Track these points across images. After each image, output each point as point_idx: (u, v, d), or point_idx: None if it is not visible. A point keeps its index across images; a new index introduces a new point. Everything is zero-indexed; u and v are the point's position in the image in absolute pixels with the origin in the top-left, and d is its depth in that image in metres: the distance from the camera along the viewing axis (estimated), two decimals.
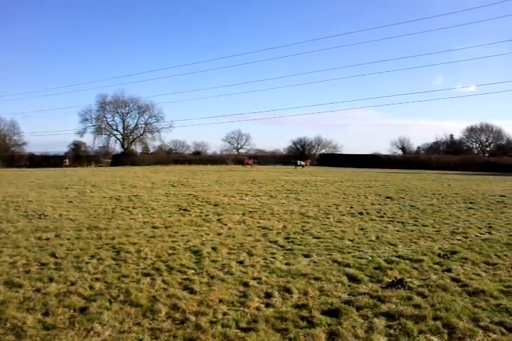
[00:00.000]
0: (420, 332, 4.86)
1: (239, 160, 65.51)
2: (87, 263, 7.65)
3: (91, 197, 17.98)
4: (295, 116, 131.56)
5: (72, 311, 5.39)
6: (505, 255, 8.44)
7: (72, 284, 6.45)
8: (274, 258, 8.15)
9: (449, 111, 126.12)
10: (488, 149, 79.57)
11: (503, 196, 19.93)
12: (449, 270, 7.34)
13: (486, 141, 79.94)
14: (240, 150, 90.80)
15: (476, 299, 5.91)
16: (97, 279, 6.70)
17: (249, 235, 10.28)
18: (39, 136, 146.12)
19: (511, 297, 5.99)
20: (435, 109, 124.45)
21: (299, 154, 78.58)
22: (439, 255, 8.36)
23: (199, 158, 74.15)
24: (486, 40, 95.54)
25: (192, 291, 6.19)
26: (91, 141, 78.01)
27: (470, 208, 15.66)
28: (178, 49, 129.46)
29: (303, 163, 56.41)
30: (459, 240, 9.89)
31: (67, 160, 64.84)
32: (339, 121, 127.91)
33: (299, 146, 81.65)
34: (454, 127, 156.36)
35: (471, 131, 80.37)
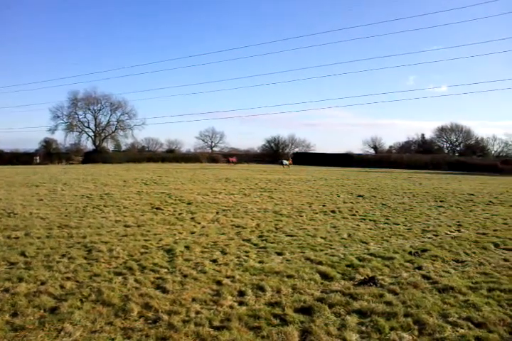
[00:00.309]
0: (392, 328, 4.93)
1: (226, 158, 66.14)
2: (57, 262, 7.53)
3: (62, 196, 17.70)
4: (269, 115, 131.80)
5: (42, 311, 5.31)
6: (474, 252, 8.62)
7: (43, 284, 6.35)
8: (247, 256, 8.16)
9: (421, 111, 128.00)
10: (458, 149, 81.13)
11: (472, 195, 20.38)
12: (419, 267, 7.46)
13: (456, 141, 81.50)
14: (214, 149, 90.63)
15: (445, 295, 6.02)
16: (68, 278, 6.61)
17: (222, 233, 10.27)
18: (8, 132, 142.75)
19: (479, 293, 6.14)
20: (407, 109, 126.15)
21: (273, 153, 78.83)
22: (410, 253, 8.49)
23: (172, 155, 73.55)
24: (458, 41, 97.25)
25: (165, 290, 6.15)
26: (62, 138, 76.69)
27: (440, 207, 15.96)
28: (152, 46, 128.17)
29: (287, 162, 57.17)
30: (429, 238, 10.06)
31: (37, 158, 63.73)
32: (313, 121, 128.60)
33: (273, 145, 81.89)
34: (425, 127, 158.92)
35: (442, 130, 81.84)
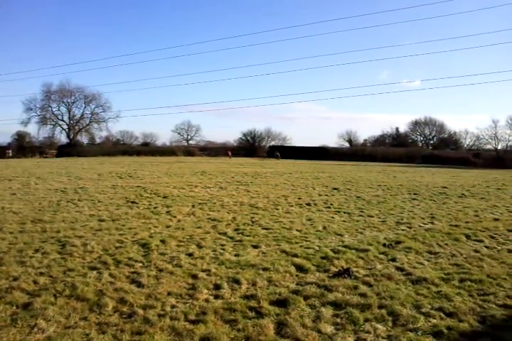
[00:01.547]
0: (366, 320, 4.99)
1: (226, 152, 68.26)
2: (31, 257, 7.43)
3: (35, 190, 17.43)
4: (245, 108, 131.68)
5: (14, 308, 5.23)
6: (446, 244, 8.77)
7: (15, 279, 6.26)
8: (223, 249, 8.17)
9: (395, 105, 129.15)
10: (431, 142, 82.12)
11: (445, 187, 20.70)
12: (393, 259, 7.56)
13: (430, 134, 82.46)
14: (190, 142, 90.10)
15: (418, 287, 6.12)
16: (41, 274, 6.53)
17: (198, 227, 10.25)
18: None
19: (451, 284, 6.25)
20: (382, 103, 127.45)
21: (250, 146, 78.68)
22: (384, 245, 8.59)
23: (148, 149, 72.91)
24: (432, 36, 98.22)
25: (140, 284, 6.12)
26: (35, 132, 75.36)
27: (414, 199, 16.17)
28: (127, 37, 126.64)
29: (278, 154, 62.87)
30: (403, 230, 10.19)
31: (10, 151, 62.66)
32: (288, 114, 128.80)
33: (249, 138, 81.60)
34: (399, 121, 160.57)
35: (416, 124, 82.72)
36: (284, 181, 22.97)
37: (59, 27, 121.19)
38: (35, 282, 6.14)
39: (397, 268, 7.02)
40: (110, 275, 6.53)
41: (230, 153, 65.46)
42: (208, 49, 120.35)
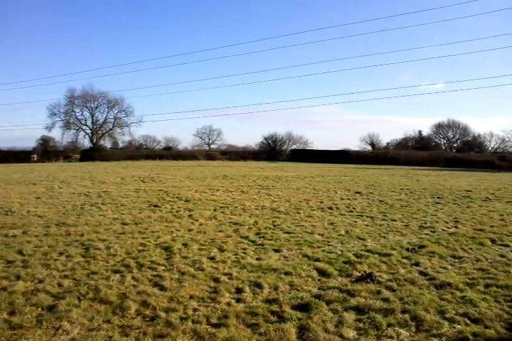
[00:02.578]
0: (389, 325, 4.95)
1: (242, 156, 71.02)
2: (55, 260, 7.53)
3: (59, 193, 17.69)
4: (267, 112, 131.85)
5: (39, 309, 5.31)
6: (471, 248, 8.65)
7: (40, 282, 6.35)
8: (245, 253, 8.17)
9: (418, 108, 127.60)
10: (455, 145, 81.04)
11: (469, 191, 20.40)
12: (417, 264, 7.48)
13: (453, 137, 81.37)
14: (212, 146, 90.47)
15: (442, 292, 6.04)
16: (65, 276, 6.62)
17: (220, 231, 10.27)
18: (5, 130, 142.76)
19: (475, 289, 6.16)
20: (404, 106, 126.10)
21: (271, 150, 78.64)
22: (407, 249, 8.51)
23: (170, 153, 73.33)
24: (455, 38, 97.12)
25: (162, 288, 6.16)
26: (59, 136, 76.53)
27: (437, 203, 15.98)
28: (149, 42, 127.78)
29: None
30: (426, 234, 10.08)
31: (35, 156, 63.56)
32: (309, 117, 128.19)
33: (270, 142, 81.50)
34: (422, 123, 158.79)
35: (439, 127, 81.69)
36: (306, 185, 22.89)
37: (81, 34, 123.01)
38: (59, 284, 6.23)
39: (421, 273, 6.95)
40: (133, 278, 6.59)
41: (249, 157, 67.36)
42: (229, 53, 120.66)
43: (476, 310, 5.34)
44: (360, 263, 7.48)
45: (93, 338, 4.53)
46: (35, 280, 6.44)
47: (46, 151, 67.35)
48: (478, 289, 6.16)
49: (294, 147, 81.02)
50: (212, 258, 7.77)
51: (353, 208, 14.25)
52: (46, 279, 6.46)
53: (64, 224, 10.77)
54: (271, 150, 78.40)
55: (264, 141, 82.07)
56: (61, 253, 8.00)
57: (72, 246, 8.56)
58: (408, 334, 4.73)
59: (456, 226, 11.10)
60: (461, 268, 7.26)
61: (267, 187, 21.20)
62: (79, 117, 74.42)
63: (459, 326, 4.91)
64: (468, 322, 5.03)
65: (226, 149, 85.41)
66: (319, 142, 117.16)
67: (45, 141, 73.52)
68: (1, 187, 20.47)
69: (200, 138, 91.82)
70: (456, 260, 7.81)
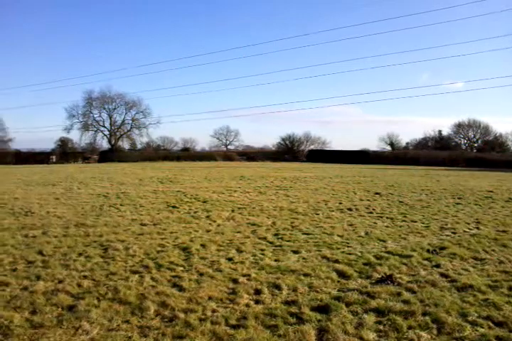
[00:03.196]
0: (409, 327, 4.87)
1: (229, 157, 71.53)
2: (74, 260, 7.58)
3: (78, 194, 17.84)
4: (284, 112, 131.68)
5: (60, 309, 5.35)
6: (493, 250, 8.50)
7: (60, 282, 6.40)
8: (263, 254, 8.14)
9: (438, 108, 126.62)
10: (475, 145, 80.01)
11: (491, 191, 20.08)
12: (438, 265, 7.37)
13: (474, 137, 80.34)
14: (229, 147, 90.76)
15: (464, 294, 5.94)
16: (84, 277, 6.65)
17: (238, 232, 10.26)
18: (25, 132, 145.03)
19: (498, 291, 6.04)
20: (423, 105, 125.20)
21: (288, 150, 78.55)
22: (428, 251, 8.40)
23: (187, 154, 73.75)
24: (474, 36, 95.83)
25: (181, 288, 6.16)
26: (78, 138, 77.43)
27: (458, 204, 15.76)
28: (166, 44, 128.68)
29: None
30: (447, 236, 9.94)
31: (53, 157, 64.45)
32: (328, 118, 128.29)
33: (287, 142, 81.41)
34: (442, 123, 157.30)
35: (459, 127, 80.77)
36: (324, 186, 22.77)
37: (99, 35, 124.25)
38: (79, 285, 6.26)
39: (442, 275, 6.84)
40: (152, 279, 6.60)
41: (236, 158, 68.56)
42: (246, 54, 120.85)
43: (499, 314, 5.23)
44: (380, 264, 7.40)
45: (112, 338, 4.54)
46: (55, 280, 6.49)
47: (65, 153, 68.27)
48: (502, 292, 6.04)
49: (311, 147, 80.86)
50: (230, 259, 7.76)
51: (373, 209, 14.12)
52: (66, 279, 6.50)
53: (83, 225, 10.85)
54: (288, 151, 78.34)
55: (282, 142, 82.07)
56: (80, 254, 8.05)
57: (91, 247, 8.61)
58: (429, 337, 4.66)
59: (477, 228, 10.93)
60: (484, 270, 7.14)
61: (284, 188, 21.14)
62: (97, 119, 75.33)
63: (482, 329, 4.81)
64: (491, 325, 4.93)
65: (243, 150, 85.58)
66: (337, 142, 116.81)
67: (63, 143, 74.51)
68: (21, 188, 20.73)
69: (218, 139, 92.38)
70: (478, 262, 7.68)
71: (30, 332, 4.70)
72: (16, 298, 5.69)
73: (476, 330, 4.80)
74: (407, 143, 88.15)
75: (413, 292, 6.05)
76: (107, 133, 75.81)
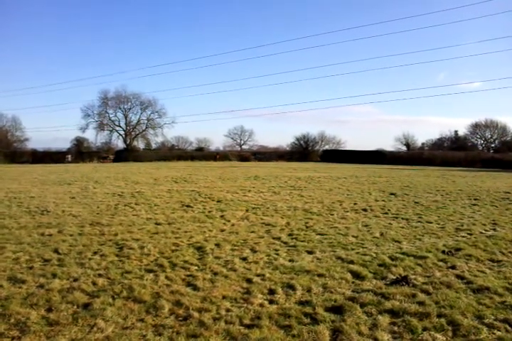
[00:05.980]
0: (424, 329, 4.83)
1: (214, 156, 71.23)
2: (90, 259, 7.64)
3: (94, 193, 17.99)
4: (298, 112, 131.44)
5: (75, 307, 5.39)
6: (510, 252, 8.39)
7: (75, 280, 6.45)
8: (277, 254, 8.13)
9: (454, 108, 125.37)
10: (492, 145, 79.17)
11: (508, 192, 19.83)
12: (453, 267, 7.30)
13: (491, 138, 79.54)
14: (243, 147, 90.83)
15: (480, 296, 5.87)
16: (100, 275, 6.70)
17: (252, 231, 10.26)
18: (41, 131, 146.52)
19: None
20: (439, 106, 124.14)
21: (302, 150, 78.39)
22: (443, 252, 8.32)
23: (202, 154, 73.98)
24: (491, 34, 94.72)
25: (195, 287, 6.17)
26: (93, 137, 78.12)
27: (474, 205, 15.59)
28: (180, 44, 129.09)
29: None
30: (463, 237, 9.84)
31: (69, 156, 65.00)
32: (343, 117, 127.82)
33: (302, 142, 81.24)
34: (458, 123, 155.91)
35: (476, 127, 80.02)
36: (339, 186, 22.69)
37: (115, 36, 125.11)
38: (94, 283, 6.31)
39: (457, 276, 6.77)
40: (166, 277, 6.62)
41: (218, 157, 68.05)
42: (260, 54, 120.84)
43: None
44: (395, 265, 7.35)
45: (127, 336, 4.57)
46: (70, 278, 6.54)
47: (80, 152, 68.79)
48: None
49: (326, 147, 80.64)
50: (244, 259, 7.76)
51: (388, 210, 14.03)
52: (81, 278, 6.55)
53: (98, 224, 10.93)
54: (303, 151, 78.20)
55: (296, 142, 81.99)
56: (95, 253, 8.11)
57: (106, 246, 8.67)
58: (444, 339, 4.61)
59: (494, 229, 10.80)
60: (500, 272, 7.05)
61: (299, 188, 21.10)
62: (112, 118, 75.93)
63: (499, 332, 4.75)
64: (509, 328, 4.85)
65: (258, 150, 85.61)
66: (352, 142, 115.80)
67: (79, 142, 75.11)
68: (37, 187, 20.95)
69: (232, 138, 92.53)
70: (495, 264, 7.59)
71: (47, 329, 4.74)
72: (33, 296, 5.74)
73: (493, 333, 4.73)
74: (423, 144, 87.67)
75: (428, 293, 5.99)
76: (122, 132, 76.41)
